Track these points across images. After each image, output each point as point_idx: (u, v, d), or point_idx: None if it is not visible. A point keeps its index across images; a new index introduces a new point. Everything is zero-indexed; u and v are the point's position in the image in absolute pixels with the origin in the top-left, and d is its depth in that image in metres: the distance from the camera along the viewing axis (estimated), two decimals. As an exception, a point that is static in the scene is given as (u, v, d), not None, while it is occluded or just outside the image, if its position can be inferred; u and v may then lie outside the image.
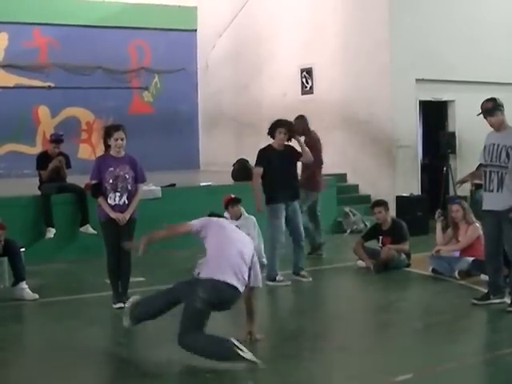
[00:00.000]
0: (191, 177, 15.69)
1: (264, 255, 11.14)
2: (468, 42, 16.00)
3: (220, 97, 20.46)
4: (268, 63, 18.63)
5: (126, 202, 8.65)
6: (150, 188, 12.60)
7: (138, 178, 8.80)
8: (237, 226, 10.44)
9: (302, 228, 10.32)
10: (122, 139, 8.64)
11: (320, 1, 17.16)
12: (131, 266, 8.87)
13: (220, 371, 6.11)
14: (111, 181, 8.58)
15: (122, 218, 8.59)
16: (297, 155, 10.21)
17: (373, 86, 15.76)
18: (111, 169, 8.59)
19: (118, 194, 8.60)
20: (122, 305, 8.43)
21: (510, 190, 8.01)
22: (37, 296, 9.18)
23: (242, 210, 10.76)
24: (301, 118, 12.12)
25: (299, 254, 10.33)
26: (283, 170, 10.00)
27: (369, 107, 15.88)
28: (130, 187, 8.66)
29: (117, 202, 8.61)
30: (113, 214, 8.58)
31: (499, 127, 8.18)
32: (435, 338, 7.25)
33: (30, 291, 9.20)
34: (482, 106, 8.23)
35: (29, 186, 11.92)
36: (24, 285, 9.21)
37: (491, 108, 8.15)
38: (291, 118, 17.33)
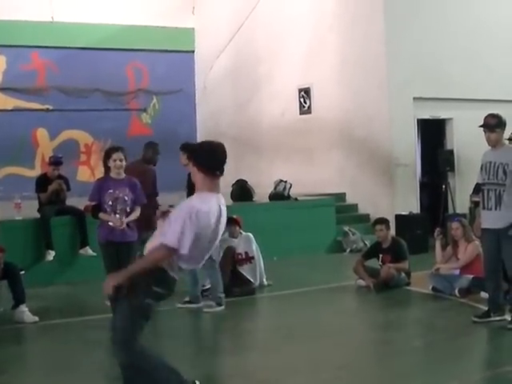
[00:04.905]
0: (190, 198, 15.69)
1: (264, 275, 11.16)
2: (465, 59, 15.97)
3: (218, 117, 20.51)
4: (266, 83, 18.68)
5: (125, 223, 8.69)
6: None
7: (137, 201, 8.84)
8: (232, 246, 10.62)
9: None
10: (120, 160, 8.70)
11: (317, 21, 17.23)
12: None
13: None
14: (110, 203, 8.62)
15: (120, 224, 8.63)
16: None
17: (370, 105, 15.81)
18: (110, 191, 8.63)
19: (117, 215, 8.63)
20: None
21: (508, 207, 8.03)
22: (37, 319, 9.17)
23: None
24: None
25: None
26: None
27: (366, 126, 15.92)
28: (128, 209, 8.71)
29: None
30: (112, 223, 8.62)
31: (495, 144, 8.21)
32: (436, 356, 7.24)
33: (30, 314, 9.19)
34: (485, 119, 8.25)
35: (28, 208, 11.90)
36: (24, 307, 9.20)
37: (494, 124, 8.17)
38: (291, 136, 17.56)
